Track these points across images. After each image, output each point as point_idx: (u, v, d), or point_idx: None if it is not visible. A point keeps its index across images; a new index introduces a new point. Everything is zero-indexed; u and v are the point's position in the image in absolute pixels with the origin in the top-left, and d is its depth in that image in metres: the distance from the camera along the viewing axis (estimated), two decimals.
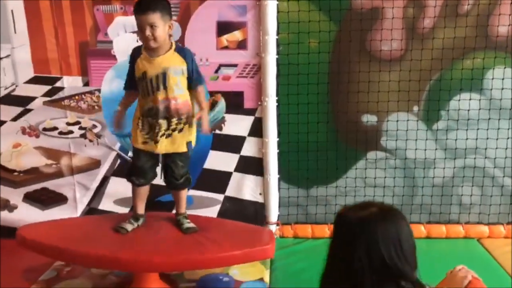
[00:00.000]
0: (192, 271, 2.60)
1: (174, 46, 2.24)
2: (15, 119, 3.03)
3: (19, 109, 3.02)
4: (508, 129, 2.89)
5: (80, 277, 2.62)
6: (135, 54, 2.26)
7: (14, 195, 3.09)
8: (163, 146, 2.29)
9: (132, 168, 2.40)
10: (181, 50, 2.27)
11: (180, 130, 2.29)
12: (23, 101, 3.02)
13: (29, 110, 3.02)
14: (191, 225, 2.43)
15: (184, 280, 2.55)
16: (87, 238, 2.39)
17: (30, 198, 3.10)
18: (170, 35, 2.23)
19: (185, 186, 2.44)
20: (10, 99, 3.01)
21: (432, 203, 3.01)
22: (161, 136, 2.27)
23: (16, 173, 3.08)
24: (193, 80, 2.28)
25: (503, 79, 2.83)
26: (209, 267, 2.43)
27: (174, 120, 2.26)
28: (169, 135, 2.28)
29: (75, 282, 2.58)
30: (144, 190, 2.43)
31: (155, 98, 2.23)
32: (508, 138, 2.90)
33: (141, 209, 2.45)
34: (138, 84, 2.25)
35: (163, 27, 2.16)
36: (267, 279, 2.58)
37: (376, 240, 1.24)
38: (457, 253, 2.77)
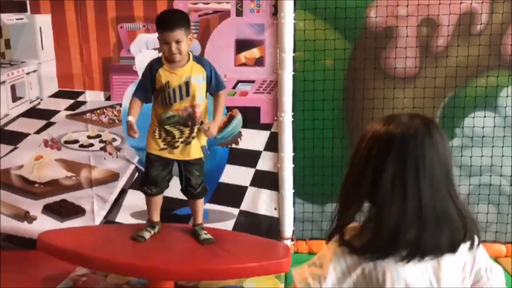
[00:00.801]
0: (207, 282, 2.61)
1: (192, 56, 2.35)
2: (38, 132, 3.11)
3: (42, 122, 3.11)
4: None
5: (96, 287, 2.65)
6: (155, 65, 2.34)
7: (34, 207, 3.14)
8: (180, 152, 2.37)
9: (146, 177, 2.47)
10: (199, 59, 2.40)
11: (194, 137, 2.37)
12: (47, 115, 3.11)
13: (52, 123, 3.11)
14: (208, 236, 2.47)
15: None
16: (106, 245, 2.44)
17: (49, 209, 3.15)
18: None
19: (202, 195, 2.49)
20: (35, 113, 3.11)
21: None
22: (182, 143, 2.35)
23: (37, 185, 3.14)
24: (214, 84, 2.37)
25: None
26: (225, 277, 2.44)
27: (195, 128, 2.34)
28: (189, 143, 2.35)
29: None
30: (158, 199, 2.50)
31: (177, 107, 2.31)
32: None
33: (156, 217, 2.51)
34: (158, 94, 2.33)
35: (186, 41, 2.28)
36: None
37: (432, 160, 0.99)
38: None
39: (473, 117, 2.90)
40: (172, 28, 2.24)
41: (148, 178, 2.44)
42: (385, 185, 1.01)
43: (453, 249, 1.03)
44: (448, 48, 2.84)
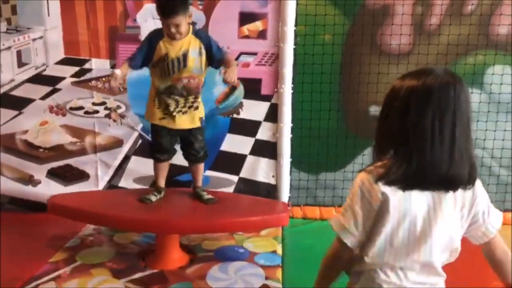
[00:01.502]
0: (209, 242, 2.77)
1: (191, 30, 2.43)
2: (43, 98, 3.19)
3: (48, 88, 3.18)
4: (506, 121, 3.10)
5: (102, 245, 2.78)
6: (156, 36, 2.42)
7: (38, 171, 3.24)
8: (181, 121, 2.48)
9: (155, 145, 2.59)
10: (198, 32, 2.48)
11: (196, 108, 2.49)
12: (53, 81, 3.18)
13: (58, 90, 3.18)
14: (211, 196, 2.62)
15: (202, 250, 2.71)
16: (115, 205, 2.58)
17: (53, 174, 3.24)
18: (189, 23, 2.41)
19: (204, 159, 2.64)
20: (40, 79, 3.17)
21: None
22: (177, 112, 2.46)
23: (41, 150, 3.23)
24: (215, 51, 2.43)
25: (502, 75, 3.04)
26: (230, 230, 2.60)
27: (191, 98, 2.46)
28: (185, 112, 2.47)
29: (98, 250, 2.73)
30: (166, 165, 2.63)
31: (175, 78, 2.42)
32: (505, 130, 3.11)
33: (162, 183, 2.64)
34: (157, 65, 2.42)
35: (185, 22, 2.36)
36: (279, 252, 2.75)
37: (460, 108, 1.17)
38: None
39: None
40: (172, 16, 2.31)
41: (157, 147, 2.57)
42: (425, 128, 1.18)
43: (472, 182, 1.23)
44: (441, 26, 3.00)
